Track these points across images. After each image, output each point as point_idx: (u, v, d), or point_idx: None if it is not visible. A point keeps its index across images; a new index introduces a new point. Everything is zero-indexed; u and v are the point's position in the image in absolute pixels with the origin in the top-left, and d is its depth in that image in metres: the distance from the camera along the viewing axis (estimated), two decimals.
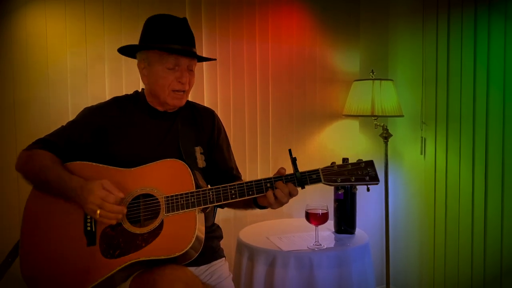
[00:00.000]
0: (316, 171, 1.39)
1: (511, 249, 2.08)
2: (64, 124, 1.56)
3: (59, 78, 2.20)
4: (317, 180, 1.39)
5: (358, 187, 2.41)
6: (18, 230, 1.47)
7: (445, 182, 2.44)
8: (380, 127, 2.56)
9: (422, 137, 2.59)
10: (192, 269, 1.52)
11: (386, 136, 2.55)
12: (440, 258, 2.49)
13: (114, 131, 1.52)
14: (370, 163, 1.40)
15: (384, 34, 2.87)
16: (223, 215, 2.48)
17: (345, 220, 2.29)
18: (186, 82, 1.51)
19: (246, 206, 1.57)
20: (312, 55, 2.72)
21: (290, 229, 2.33)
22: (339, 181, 1.39)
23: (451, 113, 2.39)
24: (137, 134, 1.53)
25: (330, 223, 2.29)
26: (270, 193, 1.37)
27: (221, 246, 1.72)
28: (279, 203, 1.39)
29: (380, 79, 2.50)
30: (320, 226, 2.08)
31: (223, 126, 1.74)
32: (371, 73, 2.57)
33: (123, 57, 2.29)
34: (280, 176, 1.39)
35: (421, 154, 2.60)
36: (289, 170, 1.42)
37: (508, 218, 2.10)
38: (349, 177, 1.38)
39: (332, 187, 2.37)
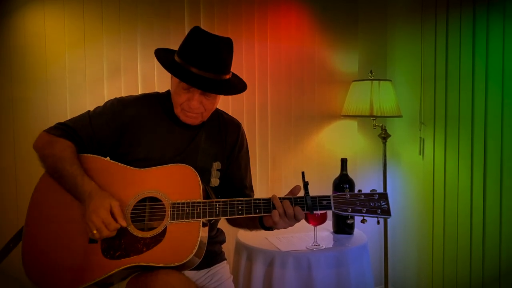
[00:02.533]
0: (327, 198, 1.38)
1: (510, 249, 2.08)
2: (90, 110, 1.52)
3: (57, 78, 2.20)
4: (327, 207, 1.38)
5: (356, 178, 2.40)
6: (16, 230, 1.47)
7: (444, 183, 2.44)
8: (379, 127, 2.56)
9: (420, 138, 2.59)
10: (192, 272, 1.51)
11: (384, 136, 2.55)
12: (438, 259, 2.49)
13: (137, 131, 1.49)
14: (384, 196, 1.39)
15: (383, 35, 2.87)
16: None
17: (344, 221, 2.29)
18: (195, 107, 1.44)
19: (252, 227, 1.55)
20: (310, 55, 2.73)
21: (288, 229, 2.32)
22: (349, 211, 1.38)
23: (449, 113, 2.39)
24: (158, 139, 1.50)
25: (329, 224, 2.29)
26: (275, 213, 1.35)
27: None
28: (284, 224, 1.38)
29: (379, 80, 2.50)
30: (318, 227, 2.08)
31: (247, 142, 1.70)
32: (369, 74, 2.57)
33: (122, 57, 2.31)
34: (290, 198, 1.38)
35: (420, 154, 2.61)
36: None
37: (506, 219, 2.10)
38: (360, 208, 1.38)
39: (331, 186, 2.37)
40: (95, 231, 1.28)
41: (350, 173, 2.38)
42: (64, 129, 1.47)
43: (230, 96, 2.53)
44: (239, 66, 2.54)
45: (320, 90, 2.76)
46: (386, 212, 1.37)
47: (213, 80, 1.42)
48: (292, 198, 1.38)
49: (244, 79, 2.53)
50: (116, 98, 1.55)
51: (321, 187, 2.60)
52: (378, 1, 2.84)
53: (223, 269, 1.63)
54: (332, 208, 1.37)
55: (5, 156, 2.12)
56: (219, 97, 1.52)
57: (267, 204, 1.37)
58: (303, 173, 1.40)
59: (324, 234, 2.27)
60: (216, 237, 1.64)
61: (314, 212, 1.38)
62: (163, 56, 1.48)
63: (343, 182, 2.30)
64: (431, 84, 2.50)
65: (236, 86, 1.52)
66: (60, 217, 1.39)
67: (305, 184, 1.38)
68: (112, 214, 1.30)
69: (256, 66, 2.59)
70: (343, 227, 2.29)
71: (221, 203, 1.37)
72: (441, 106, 2.44)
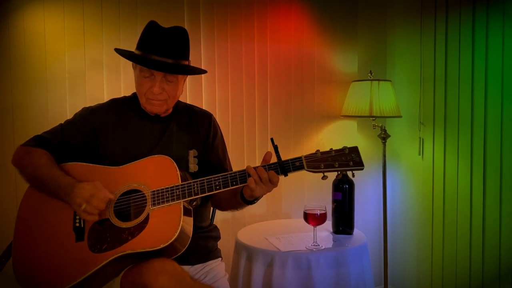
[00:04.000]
0: (299, 158, 1.40)
1: (510, 249, 2.09)
2: (62, 122, 1.59)
3: (57, 79, 2.20)
4: (300, 167, 1.39)
5: (355, 178, 2.40)
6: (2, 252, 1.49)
7: (443, 183, 2.44)
8: (378, 127, 2.56)
9: (420, 138, 2.59)
10: (186, 267, 1.53)
11: (384, 136, 2.55)
12: (438, 259, 2.49)
13: (110, 134, 1.55)
14: (354, 149, 1.42)
15: (382, 35, 2.87)
16: (221, 216, 2.48)
17: (343, 221, 2.29)
18: (158, 92, 1.50)
19: (236, 204, 1.58)
20: (310, 56, 2.73)
21: (288, 229, 2.33)
22: (322, 167, 1.39)
23: (449, 113, 2.39)
24: (132, 138, 1.56)
25: (328, 224, 2.29)
26: (250, 180, 1.38)
27: (219, 246, 1.73)
28: (261, 190, 1.40)
29: (378, 80, 2.50)
30: (318, 227, 2.08)
31: (220, 129, 1.75)
32: (369, 74, 2.57)
33: (122, 57, 2.31)
34: (264, 165, 1.41)
35: (419, 154, 2.61)
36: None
37: (506, 219, 2.10)
38: (332, 163, 1.39)
39: (330, 187, 2.37)
40: (84, 204, 1.33)
41: (350, 173, 2.38)
42: (38, 140, 1.53)
43: (229, 97, 2.53)
44: (238, 67, 2.55)
45: (319, 90, 2.76)
46: (359, 163, 1.39)
47: (172, 64, 1.49)
48: (266, 165, 1.39)
49: (244, 80, 2.57)
50: (84, 107, 1.63)
51: (320, 187, 2.61)
52: (377, 2, 2.84)
53: (218, 267, 1.65)
54: (305, 167, 1.38)
55: (5, 156, 2.12)
56: (181, 85, 1.58)
57: (243, 175, 1.40)
58: (272, 139, 1.42)
59: (324, 234, 2.27)
60: (209, 232, 1.66)
61: (289, 173, 1.39)
62: (125, 52, 1.56)
63: (343, 182, 2.31)
64: (431, 84, 2.50)
65: (195, 69, 1.60)
66: (46, 224, 1.43)
67: (275, 148, 1.40)
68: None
69: (256, 67, 2.59)
70: (343, 227, 2.29)
71: (198, 182, 1.40)
72: (440, 106, 2.44)
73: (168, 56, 1.48)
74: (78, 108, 1.64)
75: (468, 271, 2.29)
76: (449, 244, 2.41)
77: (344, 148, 1.42)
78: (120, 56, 1.60)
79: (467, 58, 2.27)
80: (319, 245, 2.05)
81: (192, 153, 1.59)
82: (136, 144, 1.55)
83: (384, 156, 2.57)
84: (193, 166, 1.58)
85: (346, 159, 1.40)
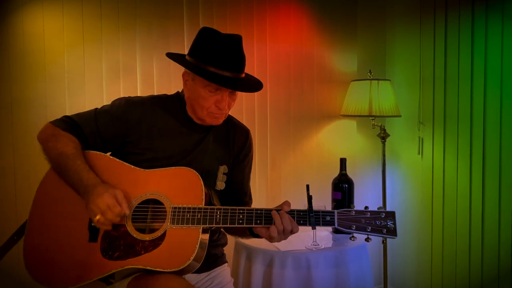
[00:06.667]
0: (331, 213, 1.33)
1: (509, 249, 2.09)
2: (97, 108, 1.50)
3: (56, 78, 2.20)
4: (330, 223, 1.33)
5: (355, 178, 2.41)
6: (15, 228, 1.48)
7: (443, 182, 2.44)
8: (378, 127, 2.56)
9: (419, 137, 2.59)
10: (193, 276, 1.50)
11: (383, 136, 2.55)
12: (437, 258, 2.49)
13: (144, 132, 1.47)
14: (391, 215, 1.33)
15: (382, 34, 2.87)
16: None
17: None
18: (225, 107, 1.44)
19: (242, 234, 1.53)
20: (309, 55, 2.73)
21: None
22: (353, 228, 1.31)
23: (448, 113, 2.39)
24: (166, 140, 1.48)
25: None
26: (273, 229, 1.31)
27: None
28: (279, 239, 1.34)
29: (378, 79, 2.50)
30: (317, 226, 2.08)
31: (253, 150, 1.67)
32: (368, 73, 2.57)
33: (121, 57, 2.31)
34: (293, 210, 1.34)
35: (419, 154, 2.61)
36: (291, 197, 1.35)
37: (505, 218, 2.10)
38: (365, 226, 1.31)
39: (330, 187, 2.37)
40: (99, 216, 1.26)
41: (349, 172, 2.38)
42: (69, 123, 1.45)
43: None
44: None
45: (319, 90, 2.76)
46: (392, 232, 1.31)
47: (244, 81, 1.46)
48: (295, 212, 1.34)
49: None
50: (124, 97, 1.53)
51: (320, 187, 2.60)
52: (377, 2, 2.84)
53: (223, 272, 1.62)
54: (336, 224, 1.32)
55: (4, 155, 2.12)
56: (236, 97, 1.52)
57: (269, 217, 1.33)
58: (307, 186, 1.36)
59: (324, 234, 2.27)
60: (218, 240, 1.62)
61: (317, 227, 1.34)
62: (192, 65, 1.44)
63: (342, 182, 2.31)
64: (430, 84, 2.50)
65: (255, 81, 1.54)
66: (62, 213, 1.38)
67: (309, 198, 1.34)
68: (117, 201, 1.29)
69: (255, 66, 2.59)
70: None
71: (222, 210, 1.33)
72: (440, 106, 2.44)
73: (239, 71, 1.43)
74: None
75: (468, 271, 2.29)
76: (448, 243, 2.41)
77: (381, 211, 1.33)
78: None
79: (466, 57, 2.27)
80: (318, 244, 2.05)
81: (222, 169, 1.53)
82: (170, 148, 1.47)
83: (384, 155, 2.57)
84: (220, 184, 1.52)
85: (380, 225, 1.31)
